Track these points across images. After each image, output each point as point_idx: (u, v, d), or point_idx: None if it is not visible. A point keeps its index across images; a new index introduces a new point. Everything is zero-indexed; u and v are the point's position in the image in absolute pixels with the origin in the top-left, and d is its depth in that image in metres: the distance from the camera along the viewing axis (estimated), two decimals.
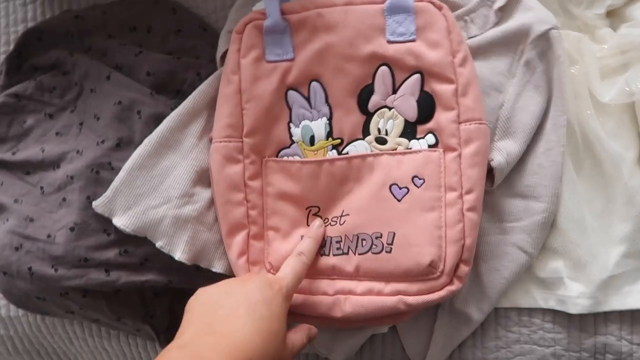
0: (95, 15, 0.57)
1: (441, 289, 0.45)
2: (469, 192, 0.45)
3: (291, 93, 0.49)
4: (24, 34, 0.58)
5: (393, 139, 0.48)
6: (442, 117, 0.46)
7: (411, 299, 0.45)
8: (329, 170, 0.48)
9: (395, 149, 0.48)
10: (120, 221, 0.48)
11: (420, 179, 0.46)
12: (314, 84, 0.49)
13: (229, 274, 0.51)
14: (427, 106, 0.47)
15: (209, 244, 0.50)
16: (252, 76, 0.49)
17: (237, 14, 0.53)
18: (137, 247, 0.49)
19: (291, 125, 0.50)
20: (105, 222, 0.50)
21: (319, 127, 0.49)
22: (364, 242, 0.47)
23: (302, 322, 0.46)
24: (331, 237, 0.48)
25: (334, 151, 0.49)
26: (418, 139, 0.47)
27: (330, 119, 0.49)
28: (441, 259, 0.45)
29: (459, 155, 0.46)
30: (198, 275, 0.50)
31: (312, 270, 0.48)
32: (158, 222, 0.48)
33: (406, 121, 0.48)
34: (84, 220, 0.50)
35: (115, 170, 0.50)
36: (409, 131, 0.48)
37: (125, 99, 0.53)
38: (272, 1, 0.48)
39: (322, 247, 0.48)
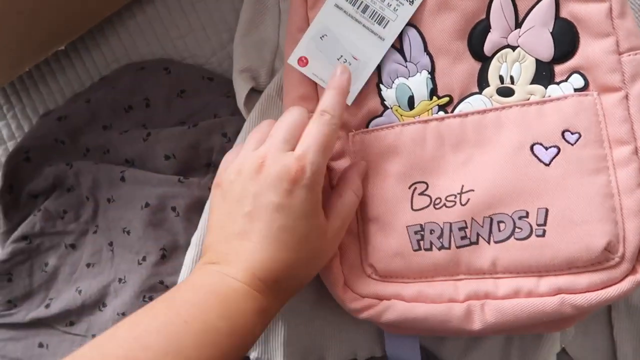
0: (79, 108, 0.46)
1: (621, 280, 0.33)
2: None
3: None
4: (9, 160, 0.46)
5: (523, 88, 0.36)
6: (592, 49, 0.34)
7: (580, 299, 0.33)
8: (437, 133, 0.37)
9: (528, 100, 0.36)
10: None
11: (573, 133, 0.34)
12: (407, 29, 0.38)
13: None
14: (566, 38, 0.35)
15: (312, 334, 0.42)
16: None
17: (242, 45, 0.43)
18: None
19: (382, 86, 0.39)
20: None
21: (418, 84, 0.38)
22: (502, 225, 0.35)
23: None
24: (450, 223, 0.36)
25: (441, 113, 0.38)
26: (558, 83, 0.35)
27: (432, 72, 0.38)
28: (619, 238, 0.33)
29: (626, 97, 0.33)
30: None
31: (427, 270, 0.37)
32: None
33: (538, 62, 0.36)
34: None
35: (170, 288, 0.41)
36: (544, 74, 0.36)
37: (152, 198, 0.43)
38: None
39: (439, 237, 0.36)
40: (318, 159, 0.33)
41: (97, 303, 0.45)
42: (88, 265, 0.46)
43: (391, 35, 0.38)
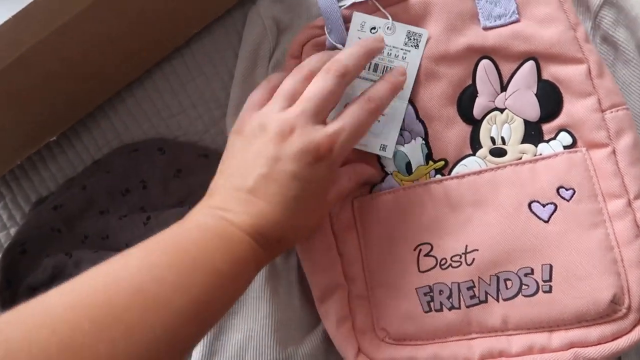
0: (74, 195, 0.45)
1: (631, 330, 0.34)
2: (639, 196, 0.35)
3: None
4: (5, 255, 0.44)
5: (514, 148, 0.38)
6: (575, 108, 0.36)
7: (593, 352, 0.34)
8: (436, 195, 0.38)
9: (520, 159, 0.37)
10: None
11: (567, 189, 0.36)
12: None
13: None
14: (550, 98, 0.37)
15: None
16: None
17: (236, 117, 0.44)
18: None
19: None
20: None
21: (414, 150, 0.39)
22: (509, 282, 0.36)
23: None
24: (458, 283, 0.37)
25: (438, 176, 0.39)
26: (547, 141, 0.37)
27: (426, 138, 0.39)
28: (624, 290, 0.34)
29: (614, 152, 0.35)
30: None
31: (440, 331, 0.37)
32: None
33: (526, 122, 0.38)
34: None
35: None
36: (533, 134, 0.37)
37: None
38: (331, 9, 0.39)
39: (449, 297, 0.37)
40: (349, 143, 0.34)
41: None
42: None
43: (409, 81, 0.38)
